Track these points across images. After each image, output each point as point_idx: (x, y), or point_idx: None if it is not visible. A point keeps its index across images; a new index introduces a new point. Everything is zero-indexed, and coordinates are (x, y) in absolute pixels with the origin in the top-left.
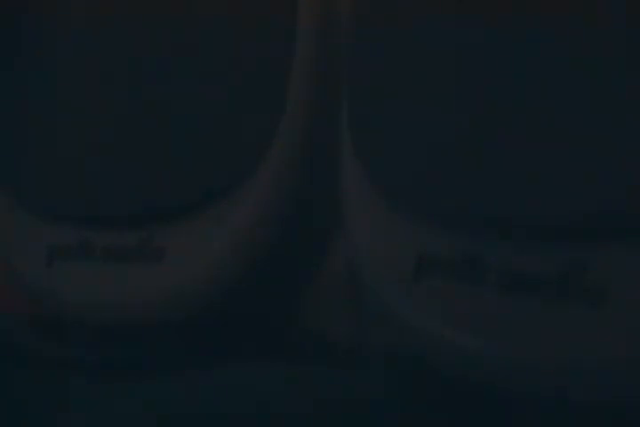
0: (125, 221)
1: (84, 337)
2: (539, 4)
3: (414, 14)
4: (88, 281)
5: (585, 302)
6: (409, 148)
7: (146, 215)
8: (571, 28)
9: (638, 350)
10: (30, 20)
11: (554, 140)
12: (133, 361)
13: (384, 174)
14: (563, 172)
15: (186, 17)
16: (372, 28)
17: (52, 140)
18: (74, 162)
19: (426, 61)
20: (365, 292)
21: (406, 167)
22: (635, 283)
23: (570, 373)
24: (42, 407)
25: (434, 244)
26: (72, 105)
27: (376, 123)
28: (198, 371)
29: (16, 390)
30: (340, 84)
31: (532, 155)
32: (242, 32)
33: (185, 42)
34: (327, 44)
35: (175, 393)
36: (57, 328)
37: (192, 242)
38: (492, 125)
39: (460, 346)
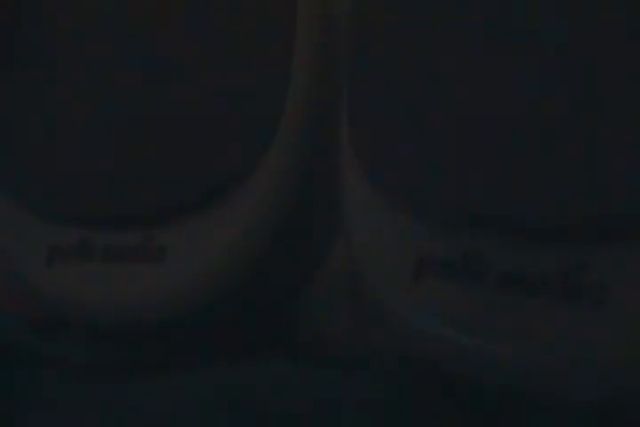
0: (125, 221)
1: (84, 337)
2: (541, 5)
3: (414, 14)
4: (88, 281)
5: (585, 302)
6: (409, 148)
7: (146, 215)
8: (572, 27)
9: (638, 350)
10: (30, 20)
11: (554, 140)
12: (133, 361)
13: (384, 174)
14: (563, 172)
15: (186, 17)
16: (371, 28)
17: (52, 141)
18: (74, 162)
19: (426, 61)
20: (365, 292)
21: (406, 167)
22: (635, 283)
23: (570, 373)
24: (42, 407)
25: (434, 244)
26: (72, 105)
27: (376, 122)
28: (198, 371)
29: (16, 390)
30: (340, 84)
31: (532, 155)
32: (242, 32)
33: (185, 42)
34: (327, 44)
35: (175, 393)
36: (57, 328)
37: (192, 242)
38: (492, 125)
39: (461, 346)
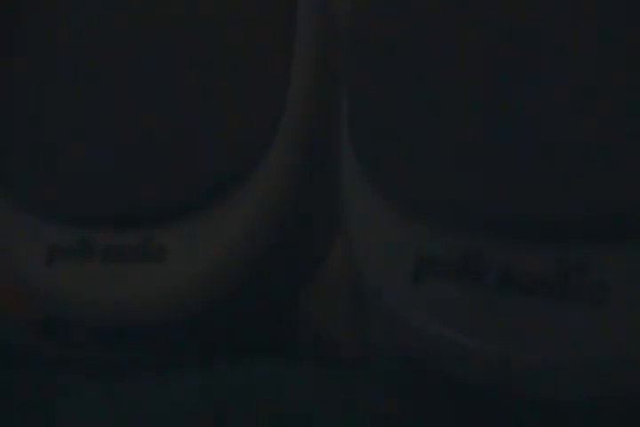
0: (125, 221)
1: (83, 337)
2: (542, 5)
3: (414, 14)
4: (88, 281)
5: (585, 302)
6: (409, 148)
7: (146, 215)
8: (572, 28)
9: (638, 350)
10: (30, 20)
11: (554, 140)
12: (133, 361)
13: (384, 174)
14: (563, 172)
15: (186, 17)
16: (371, 28)
17: (52, 141)
18: (74, 162)
19: (426, 61)
20: (365, 292)
21: (406, 167)
22: (635, 283)
23: (570, 373)
24: (42, 407)
25: (434, 244)
26: (72, 105)
27: (376, 122)
28: (198, 371)
29: (16, 390)
30: (339, 83)
31: (532, 155)
32: (242, 32)
33: (185, 42)
34: (327, 43)
35: (175, 393)
36: (57, 328)
37: (192, 242)
38: (492, 125)
39: (460, 346)
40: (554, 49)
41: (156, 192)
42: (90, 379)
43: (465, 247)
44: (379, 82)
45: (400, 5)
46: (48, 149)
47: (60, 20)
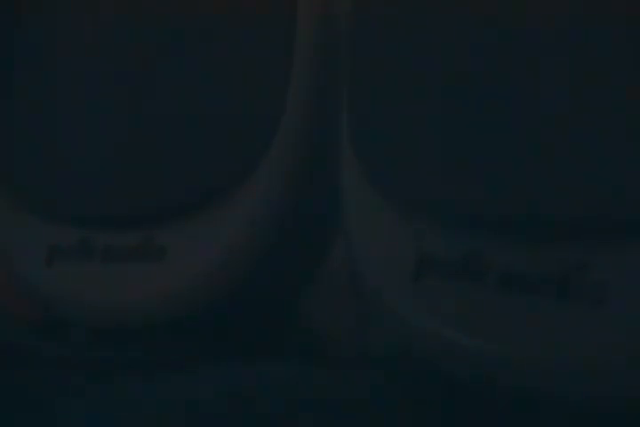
0: (125, 221)
1: (83, 337)
2: (543, 6)
3: (414, 14)
4: (88, 281)
5: (585, 302)
6: (409, 148)
7: (146, 215)
8: (572, 29)
9: (638, 350)
10: (30, 20)
11: (554, 140)
12: (133, 361)
13: (384, 174)
14: (563, 172)
15: (187, 17)
16: (371, 27)
17: (52, 141)
18: (74, 162)
19: (425, 61)
20: (365, 292)
21: (406, 167)
22: (635, 283)
23: (570, 373)
24: (42, 407)
25: (434, 244)
26: (72, 105)
27: (376, 123)
28: (198, 371)
29: (16, 390)
30: (339, 84)
31: (532, 155)
32: (242, 32)
33: (185, 42)
34: (327, 43)
35: (175, 393)
36: (57, 328)
37: (192, 242)
38: (492, 126)
39: (460, 346)
40: (554, 49)
41: (155, 192)
42: (90, 379)
43: (465, 247)
44: (379, 82)
45: (400, 5)
46: (48, 149)
47: (61, 20)
